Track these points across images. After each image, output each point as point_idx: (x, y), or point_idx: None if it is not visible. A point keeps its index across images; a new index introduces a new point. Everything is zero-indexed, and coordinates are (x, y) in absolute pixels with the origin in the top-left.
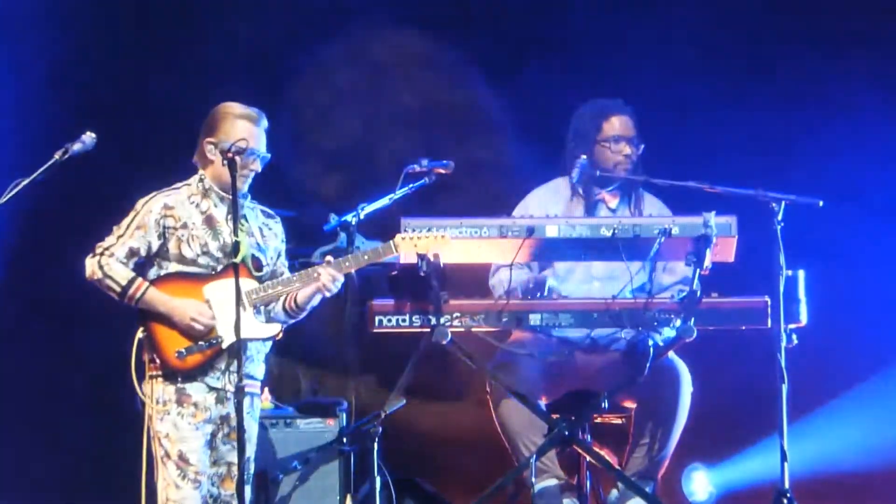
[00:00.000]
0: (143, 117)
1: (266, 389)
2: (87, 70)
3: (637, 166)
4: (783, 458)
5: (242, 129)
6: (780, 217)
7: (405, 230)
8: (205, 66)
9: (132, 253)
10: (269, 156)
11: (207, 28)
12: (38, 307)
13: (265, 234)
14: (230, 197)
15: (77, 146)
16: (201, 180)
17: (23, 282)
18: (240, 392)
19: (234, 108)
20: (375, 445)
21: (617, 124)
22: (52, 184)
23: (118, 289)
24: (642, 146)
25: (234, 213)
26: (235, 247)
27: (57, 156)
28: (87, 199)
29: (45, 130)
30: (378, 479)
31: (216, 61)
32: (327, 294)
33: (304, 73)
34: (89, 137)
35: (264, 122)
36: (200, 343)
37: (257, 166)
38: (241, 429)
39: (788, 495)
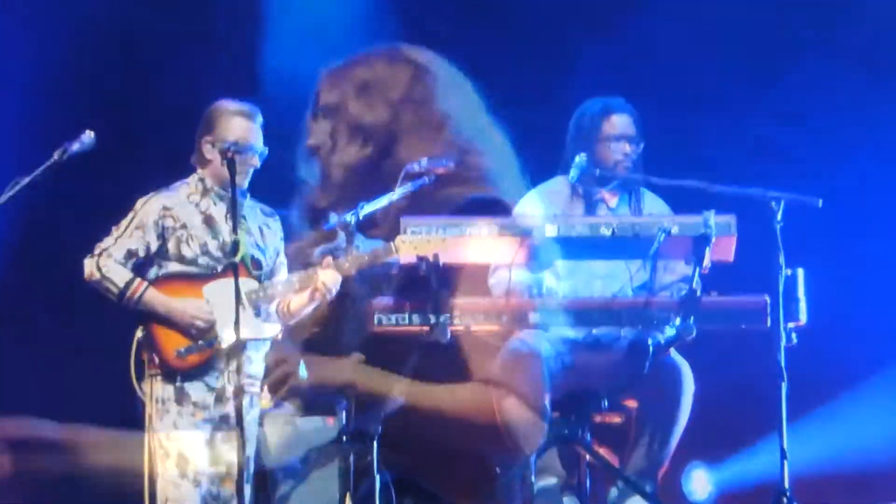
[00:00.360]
0: (144, 117)
1: (265, 388)
2: (87, 70)
3: (637, 165)
4: (783, 457)
5: (239, 125)
6: (779, 216)
7: (405, 230)
8: (206, 66)
9: (130, 254)
10: (266, 150)
11: (208, 28)
12: (39, 307)
13: (265, 232)
14: (229, 195)
15: (76, 146)
16: (200, 180)
17: (23, 282)
18: (239, 391)
19: (230, 105)
20: (375, 445)
21: (618, 123)
22: (53, 183)
23: (116, 290)
24: (642, 145)
25: (234, 212)
26: (235, 246)
27: (56, 156)
28: (87, 199)
29: (45, 130)
30: (378, 479)
31: (217, 61)
32: (327, 298)
33: (304, 75)
34: (88, 137)
35: (259, 118)
36: (200, 342)
37: (256, 162)
38: (240, 428)
39: (788, 495)
